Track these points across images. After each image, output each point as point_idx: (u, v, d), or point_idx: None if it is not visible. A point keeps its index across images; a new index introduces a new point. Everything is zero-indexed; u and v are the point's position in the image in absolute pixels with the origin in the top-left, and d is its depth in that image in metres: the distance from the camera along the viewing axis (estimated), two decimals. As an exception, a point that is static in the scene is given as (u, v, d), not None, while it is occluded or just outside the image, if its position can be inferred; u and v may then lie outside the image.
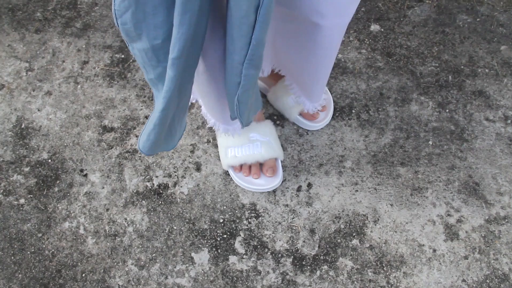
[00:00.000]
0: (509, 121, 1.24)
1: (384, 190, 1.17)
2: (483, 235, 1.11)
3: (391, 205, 1.15)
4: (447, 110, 1.26)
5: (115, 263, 1.11)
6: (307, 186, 1.19)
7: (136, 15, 0.63)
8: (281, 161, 1.20)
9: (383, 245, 1.11)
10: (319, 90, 1.11)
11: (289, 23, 0.88)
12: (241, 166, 1.16)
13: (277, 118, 1.28)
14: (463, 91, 1.29)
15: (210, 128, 1.27)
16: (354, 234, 1.12)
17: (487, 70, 1.31)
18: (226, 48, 0.69)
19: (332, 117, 1.27)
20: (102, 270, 1.11)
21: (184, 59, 0.66)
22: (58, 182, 1.22)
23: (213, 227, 1.15)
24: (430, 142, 1.22)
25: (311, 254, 1.11)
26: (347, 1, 0.79)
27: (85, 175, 1.22)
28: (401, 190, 1.17)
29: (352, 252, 1.10)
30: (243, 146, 1.14)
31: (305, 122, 1.24)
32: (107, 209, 1.18)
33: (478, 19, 1.39)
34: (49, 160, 1.24)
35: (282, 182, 1.19)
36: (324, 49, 0.91)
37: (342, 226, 1.13)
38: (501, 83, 1.29)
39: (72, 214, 1.17)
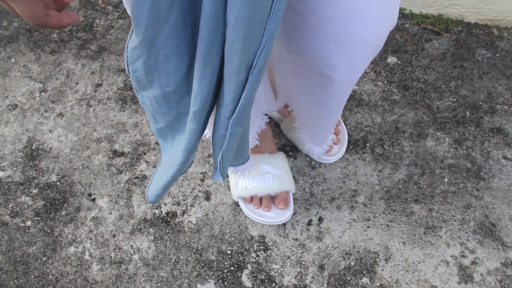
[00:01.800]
0: (528, 161, 1.20)
1: (397, 228, 1.13)
2: (499, 279, 1.07)
3: (404, 243, 1.12)
4: (464, 147, 1.23)
5: (119, 292, 1.09)
6: (318, 220, 1.16)
7: (148, 63, 0.61)
8: (293, 194, 1.18)
9: (394, 284, 1.07)
10: (324, 136, 1.11)
11: (301, 70, 0.86)
12: (251, 198, 1.14)
13: (290, 149, 1.26)
14: (480, 127, 1.26)
15: (221, 156, 1.25)
16: (364, 272, 1.09)
17: (506, 107, 1.28)
18: (218, 100, 0.67)
19: (346, 150, 1.25)
20: (105, 299, 1.09)
21: (206, 111, 0.65)
22: (65, 205, 1.20)
23: (221, 259, 1.12)
24: (446, 180, 1.19)
25: (319, 291, 1.08)
26: (361, 56, 0.77)
27: (93, 200, 1.21)
28: (414, 228, 1.14)
29: (362, 291, 1.07)
30: (255, 177, 1.12)
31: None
32: (114, 235, 1.16)
33: (497, 55, 1.37)
34: (58, 183, 1.23)
35: (293, 215, 1.16)
36: (334, 101, 0.90)
37: (353, 263, 1.10)
38: (520, 121, 1.26)
39: (78, 239, 1.16)
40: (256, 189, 1.11)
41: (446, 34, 1.40)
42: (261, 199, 1.13)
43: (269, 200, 1.13)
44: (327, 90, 0.85)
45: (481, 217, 1.14)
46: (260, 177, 1.12)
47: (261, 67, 0.57)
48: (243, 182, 1.13)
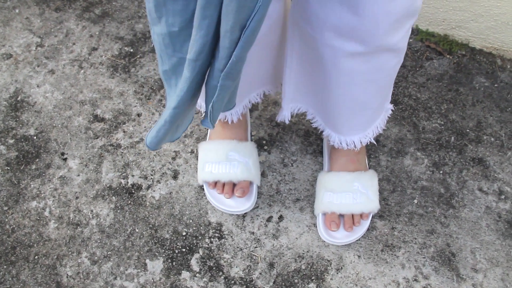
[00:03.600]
0: (503, 197, 1.17)
1: (358, 238, 1.12)
2: (446, 309, 1.05)
3: (359, 256, 1.10)
4: (441, 172, 1.20)
5: (70, 253, 1.10)
6: (278, 218, 1.15)
7: None
8: (258, 187, 1.17)
9: (340, 296, 1.06)
10: (344, 123, 1.03)
11: (311, 44, 0.88)
12: (215, 183, 1.14)
13: (266, 143, 1.25)
14: (462, 155, 1.23)
15: (198, 139, 1.25)
16: (313, 278, 1.08)
17: (492, 139, 1.25)
18: (214, 53, 0.71)
19: (322, 153, 1.23)
20: (55, 257, 1.10)
21: (200, 62, 0.69)
22: (37, 160, 1.22)
23: (174, 239, 1.12)
24: (415, 201, 1.17)
25: (264, 288, 1.07)
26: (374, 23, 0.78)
27: (65, 159, 1.22)
28: (372, 244, 1.12)
29: (306, 296, 1.06)
30: (220, 163, 1.12)
31: (322, 230, 1.12)
32: (77, 197, 1.17)
33: (496, 85, 1.33)
34: (35, 137, 1.25)
35: (254, 208, 1.16)
36: (344, 79, 0.91)
37: (303, 267, 1.09)
38: (504, 156, 1.22)
39: (42, 195, 1.17)
40: (220, 175, 1.11)
41: (448, 56, 1.37)
42: (224, 185, 1.13)
43: (231, 188, 1.12)
44: (334, 65, 0.87)
45: (443, 245, 1.11)
46: (226, 164, 1.11)
47: (253, 29, 0.62)
48: (209, 167, 1.12)
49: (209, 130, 1.22)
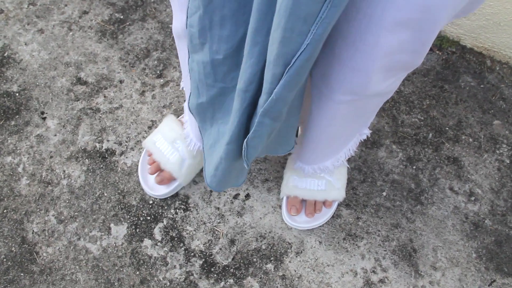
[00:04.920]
0: (472, 198, 1.16)
1: (319, 225, 1.12)
2: (398, 303, 1.05)
3: (320, 242, 1.11)
4: (414, 167, 1.20)
5: (38, 210, 1.12)
6: (245, 196, 1.16)
7: (203, 21, 0.59)
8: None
9: (296, 279, 1.07)
10: (317, 155, 1.01)
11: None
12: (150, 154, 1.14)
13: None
14: (438, 152, 1.22)
15: (176, 110, 1.26)
16: (271, 259, 1.09)
17: (470, 140, 1.24)
18: None
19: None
20: (23, 212, 1.12)
21: (250, 94, 0.62)
22: (17, 116, 1.24)
23: (141, 206, 1.14)
24: (384, 193, 1.17)
25: (222, 263, 1.08)
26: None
27: (44, 118, 1.24)
28: (335, 231, 1.12)
29: (262, 275, 1.07)
30: (165, 143, 1.11)
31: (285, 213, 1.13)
32: (51, 157, 1.19)
33: (482, 86, 1.31)
34: (17, 94, 1.26)
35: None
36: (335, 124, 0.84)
37: (263, 247, 1.10)
38: (480, 157, 1.21)
39: (18, 151, 1.19)
40: (156, 151, 1.11)
41: (437, 51, 1.35)
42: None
43: (157, 168, 1.13)
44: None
45: (405, 240, 1.11)
46: (168, 147, 1.10)
47: (297, 69, 0.54)
48: (157, 138, 1.12)
49: (185, 109, 1.11)
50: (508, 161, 1.21)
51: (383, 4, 0.56)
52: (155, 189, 1.13)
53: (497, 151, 1.22)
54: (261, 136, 0.66)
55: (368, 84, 0.69)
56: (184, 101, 1.26)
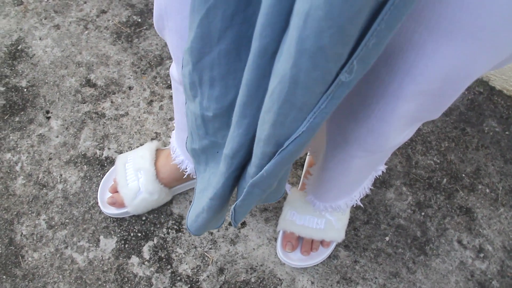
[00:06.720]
0: (481, 255, 1.09)
1: (313, 265, 1.07)
2: None
3: (312, 282, 1.05)
4: (423, 214, 1.13)
5: (30, 212, 1.10)
6: (241, 224, 1.11)
7: (192, 76, 0.55)
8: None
9: (282, 318, 1.02)
10: (330, 194, 0.97)
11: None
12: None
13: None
14: (450, 200, 1.14)
15: (182, 125, 1.22)
16: (259, 293, 1.04)
17: (487, 190, 1.16)
18: None
19: (303, 166, 1.17)
20: (15, 213, 1.10)
21: (237, 160, 0.58)
22: (22, 113, 1.22)
23: (133, 221, 1.10)
24: (387, 238, 1.10)
25: (208, 292, 1.04)
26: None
27: (48, 118, 1.21)
28: (330, 273, 1.06)
29: (247, 310, 1.02)
30: (133, 166, 1.08)
31: (280, 251, 1.09)
32: (50, 159, 1.17)
33: (507, 132, 1.22)
34: (25, 90, 1.24)
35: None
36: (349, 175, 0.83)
37: (253, 280, 1.05)
38: (495, 211, 1.13)
39: (18, 149, 1.17)
40: (120, 171, 1.08)
41: (464, 91, 1.27)
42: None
43: (115, 189, 1.10)
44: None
45: (403, 291, 1.05)
46: (132, 171, 1.08)
47: (291, 152, 0.49)
48: (129, 159, 1.10)
49: (170, 139, 1.08)
50: (525, 218, 1.13)
51: (401, 75, 0.51)
52: (105, 206, 1.11)
53: (515, 206, 1.14)
54: (250, 204, 0.62)
55: (384, 143, 0.66)
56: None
